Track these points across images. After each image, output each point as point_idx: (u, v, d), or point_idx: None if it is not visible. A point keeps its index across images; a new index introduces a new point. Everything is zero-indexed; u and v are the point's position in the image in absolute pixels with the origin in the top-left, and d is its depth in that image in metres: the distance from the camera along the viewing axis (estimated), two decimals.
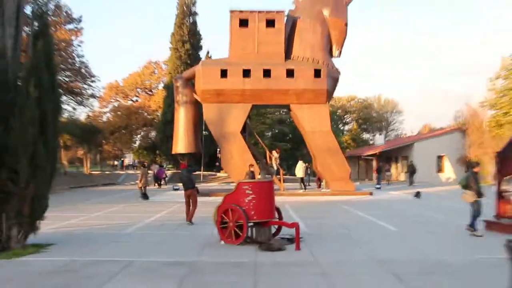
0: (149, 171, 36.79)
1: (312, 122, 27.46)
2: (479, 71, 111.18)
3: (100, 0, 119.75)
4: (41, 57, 11.36)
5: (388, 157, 50.42)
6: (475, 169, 12.91)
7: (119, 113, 59.78)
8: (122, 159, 74.35)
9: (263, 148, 32.34)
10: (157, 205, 22.04)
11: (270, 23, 27.49)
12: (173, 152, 30.39)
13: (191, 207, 15.10)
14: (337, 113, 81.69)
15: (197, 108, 29.13)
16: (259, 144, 33.47)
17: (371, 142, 74.22)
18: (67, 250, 10.83)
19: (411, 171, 38.11)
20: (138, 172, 33.13)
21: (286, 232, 11.74)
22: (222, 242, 11.20)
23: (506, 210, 12.91)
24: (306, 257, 9.66)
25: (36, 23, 11.95)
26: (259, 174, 25.90)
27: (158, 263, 9.29)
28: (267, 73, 26.97)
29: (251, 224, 11.26)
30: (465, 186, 12.57)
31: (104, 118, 62.87)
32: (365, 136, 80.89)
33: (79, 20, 39.25)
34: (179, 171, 45.96)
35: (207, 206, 16.32)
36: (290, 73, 26.98)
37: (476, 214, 12.43)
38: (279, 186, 28.40)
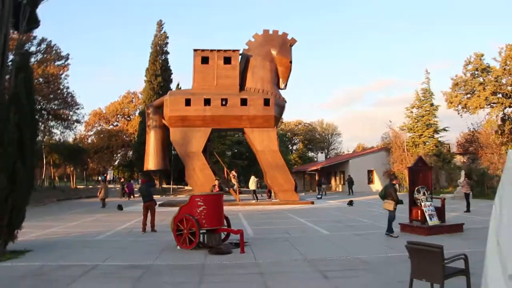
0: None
1: (262, 142, 27.46)
2: (399, 101, 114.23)
3: (87, 39, 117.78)
4: (22, 87, 10.98)
5: (329, 172, 50.90)
6: (394, 182, 13.00)
7: (101, 135, 58.60)
8: (104, 175, 72.55)
9: (222, 166, 32.12)
10: (128, 215, 21.38)
11: (227, 60, 27.56)
12: (144, 169, 29.84)
13: (150, 217, 14.57)
14: (287, 135, 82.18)
15: (165, 131, 28.71)
16: (219, 163, 33.10)
17: (315, 159, 74.80)
18: (41, 256, 10.28)
19: (349, 182, 38.52)
20: (117, 186, 32.55)
21: (235, 238, 11.49)
22: (178, 247, 10.87)
23: (417, 214, 13.07)
24: (249, 259, 9.44)
25: (18, 58, 11.59)
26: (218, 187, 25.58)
27: (118, 266, 8.90)
28: (224, 102, 26.99)
29: (204, 231, 11.00)
30: (383, 196, 12.60)
31: (89, 140, 61.61)
32: (310, 154, 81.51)
33: (67, 58, 38.48)
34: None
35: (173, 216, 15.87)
36: (243, 102, 27.04)
37: (391, 219, 12.44)
38: (235, 198, 28.21)
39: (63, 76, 38.04)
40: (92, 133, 62.23)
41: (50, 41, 37.24)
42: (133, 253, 10.58)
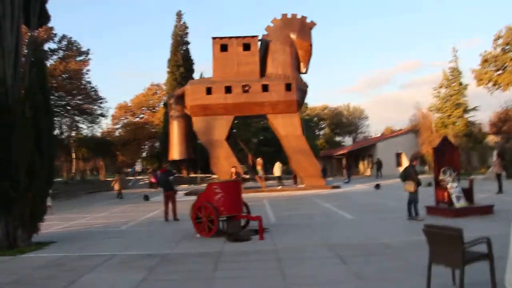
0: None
1: (286, 128, 27.21)
2: (427, 82, 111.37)
3: (113, 34, 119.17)
4: (35, 82, 11.07)
5: (356, 155, 50.17)
6: (414, 163, 12.49)
7: (128, 128, 59.40)
8: (134, 167, 73.75)
9: (247, 153, 32.05)
10: (154, 205, 21.54)
11: (246, 46, 27.32)
12: (169, 159, 30.07)
13: (171, 206, 14.61)
14: (313, 121, 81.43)
15: (187, 121, 28.73)
16: (244, 150, 32.99)
17: (342, 143, 73.92)
18: (64, 247, 10.45)
19: (378, 165, 37.91)
20: (146, 177, 33.13)
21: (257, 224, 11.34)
22: (198, 235, 10.80)
23: (443, 196, 12.61)
24: (267, 246, 9.26)
25: (32, 54, 11.67)
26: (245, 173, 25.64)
27: (136, 256, 8.89)
28: (246, 89, 26.74)
29: (223, 218, 10.90)
30: (405, 178, 12.12)
31: (117, 133, 62.53)
32: (337, 138, 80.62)
33: (87, 53, 38.92)
34: (179, 175, 45.66)
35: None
36: (265, 88, 26.79)
37: (412, 200, 11.92)
38: (261, 185, 28.18)
39: (84, 71, 38.51)
40: (119, 126, 63.11)
41: (71, 37, 37.88)
42: (153, 242, 10.59)
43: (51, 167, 11.37)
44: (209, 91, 26.62)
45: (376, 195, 21.46)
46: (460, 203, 12.20)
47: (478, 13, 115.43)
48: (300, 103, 28.55)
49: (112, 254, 9.08)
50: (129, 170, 76.35)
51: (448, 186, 12.42)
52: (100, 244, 10.61)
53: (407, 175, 12.02)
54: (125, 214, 17.94)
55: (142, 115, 63.46)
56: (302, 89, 27.73)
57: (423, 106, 43.74)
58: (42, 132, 10.87)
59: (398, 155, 44.64)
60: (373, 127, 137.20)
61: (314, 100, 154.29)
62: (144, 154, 64.94)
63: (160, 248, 9.55)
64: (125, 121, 62.96)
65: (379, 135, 70.63)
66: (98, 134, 51.25)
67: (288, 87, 26.71)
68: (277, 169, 29.64)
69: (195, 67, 50.19)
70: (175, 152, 28.89)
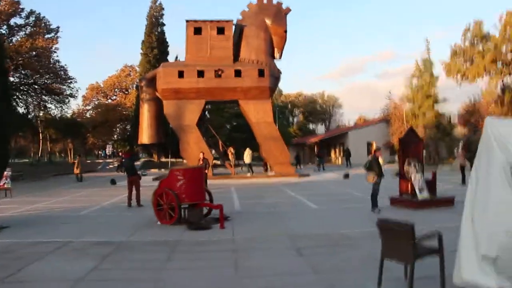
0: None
1: (257, 114, 27.04)
2: (402, 72, 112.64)
3: (82, 12, 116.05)
4: None
5: (329, 144, 50.45)
6: (377, 153, 12.39)
7: (99, 110, 58.14)
8: (104, 149, 72.55)
9: (218, 139, 31.79)
10: (120, 189, 21.07)
11: (220, 30, 26.92)
12: (138, 143, 29.66)
13: (134, 192, 14.29)
14: (288, 107, 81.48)
15: (158, 104, 28.22)
16: (215, 137, 32.66)
17: (315, 132, 74.32)
18: (16, 233, 10.00)
19: (347, 155, 38.19)
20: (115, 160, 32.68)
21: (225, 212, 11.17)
22: (159, 223, 10.57)
23: (407, 187, 12.69)
24: (226, 235, 9.10)
25: None
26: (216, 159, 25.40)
27: (91, 243, 8.60)
28: (218, 73, 26.37)
29: (185, 206, 10.68)
30: (369, 168, 12.05)
31: (88, 115, 61.17)
32: (311, 126, 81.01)
33: (57, 31, 37.57)
34: (150, 159, 45.07)
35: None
36: (238, 73, 26.50)
37: (374, 192, 11.88)
38: (231, 171, 28.07)
39: (53, 49, 37.16)
40: (90, 107, 61.73)
41: (39, 13, 36.40)
42: (111, 229, 10.29)
43: (5, 148, 10.91)
44: (181, 74, 26.16)
45: (344, 184, 21.52)
46: (423, 195, 12.29)
47: (453, 5, 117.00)
48: (273, 90, 28.41)
49: (66, 241, 8.76)
50: (100, 152, 75.13)
51: (412, 177, 12.49)
52: (56, 230, 10.23)
53: (369, 166, 11.94)
54: (88, 198, 17.51)
55: (114, 97, 62.26)
56: (275, 76, 27.54)
57: (395, 96, 44.11)
58: None
59: (370, 145, 45.15)
60: (347, 116, 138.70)
61: (289, 86, 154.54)
62: (115, 137, 63.83)
63: (117, 236, 9.27)
64: (97, 102, 61.65)
65: (352, 124, 71.32)
66: (68, 115, 50.04)
67: (261, 73, 26.48)
68: (247, 155, 29.46)
69: (170, 49, 49.54)
70: (145, 136, 28.43)
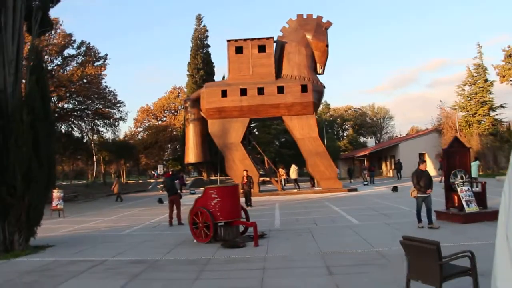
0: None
1: (302, 130, 26.80)
2: (455, 80, 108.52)
3: (130, 39, 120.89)
4: (34, 88, 11.08)
5: (379, 157, 49.18)
6: (420, 166, 11.68)
7: (150, 131, 59.92)
8: (157, 170, 74.43)
9: (264, 157, 31.77)
10: (166, 208, 21.39)
11: (262, 48, 27.05)
12: (185, 162, 30.06)
13: (176, 211, 14.47)
14: (337, 121, 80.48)
15: (203, 124, 28.59)
16: (260, 154, 32.68)
17: (366, 144, 72.76)
18: (58, 251, 10.41)
19: (398, 167, 37.03)
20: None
21: (261, 230, 11.06)
22: (195, 241, 10.59)
23: (454, 200, 12.02)
24: (259, 253, 8.95)
25: (32, 61, 11.70)
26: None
27: (125, 262, 8.74)
28: (261, 91, 26.47)
29: (221, 224, 10.65)
30: (419, 183, 11.28)
31: (139, 136, 63.15)
32: (362, 139, 79.41)
33: (105, 58, 39.38)
34: (200, 178, 45.72)
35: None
36: (280, 90, 26.42)
37: (417, 207, 11.28)
38: (277, 188, 27.99)
39: (100, 76, 38.96)
40: (141, 129, 63.77)
41: (89, 43, 38.41)
42: (148, 248, 10.42)
43: (50, 172, 11.34)
44: (224, 93, 26.47)
45: (392, 198, 20.79)
46: (471, 208, 11.58)
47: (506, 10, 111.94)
48: (317, 105, 28.09)
49: (102, 260, 8.96)
50: (152, 172, 77.10)
51: (459, 189, 11.82)
52: (94, 249, 10.52)
53: (415, 180, 11.33)
54: (133, 217, 17.91)
55: (164, 118, 63.97)
56: (319, 90, 27.25)
57: (448, 104, 42.41)
58: (40, 138, 10.89)
59: (421, 156, 43.54)
60: (399, 128, 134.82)
61: (338, 100, 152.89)
62: (166, 157, 65.40)
63: (152, 254, 9.37)
64: (147, 124, 63.58)
65: (404, 135, 69.24)
66: (120, 137, 51.95)
67: (304, 88, 26.30)
68: (293, 171, 29.28)
69: (216, 69, 50.54)
70: (191, 155, 28.79)
